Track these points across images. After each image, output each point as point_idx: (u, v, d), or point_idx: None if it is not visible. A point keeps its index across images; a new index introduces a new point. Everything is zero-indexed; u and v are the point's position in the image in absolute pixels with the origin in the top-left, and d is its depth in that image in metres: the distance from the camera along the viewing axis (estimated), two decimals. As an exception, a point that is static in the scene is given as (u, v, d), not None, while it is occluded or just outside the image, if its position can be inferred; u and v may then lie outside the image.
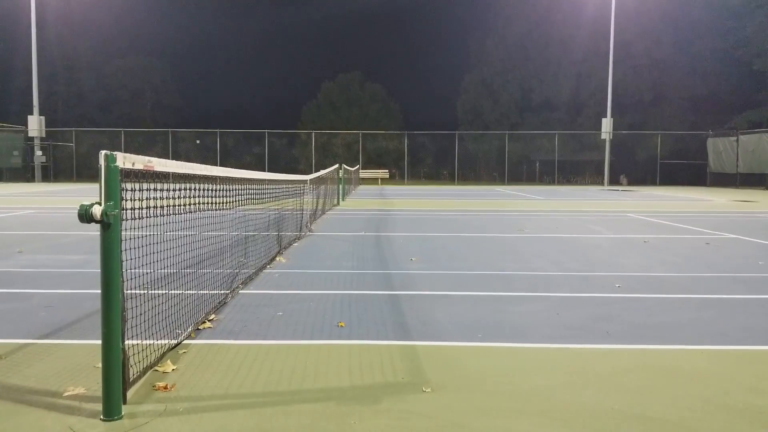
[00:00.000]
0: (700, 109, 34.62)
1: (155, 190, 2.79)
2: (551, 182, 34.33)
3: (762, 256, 6.55)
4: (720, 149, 30.13)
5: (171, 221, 3.18)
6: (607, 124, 30.22)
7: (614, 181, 32.04)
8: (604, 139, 30.54)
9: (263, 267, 5.49)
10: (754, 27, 29.43)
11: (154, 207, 2.80)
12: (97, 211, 2.14)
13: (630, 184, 32.30)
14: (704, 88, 34.01)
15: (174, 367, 2.80)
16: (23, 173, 30.20)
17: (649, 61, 35.44)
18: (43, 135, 29.61)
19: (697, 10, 32.33)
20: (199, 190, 3.55)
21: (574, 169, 36.67)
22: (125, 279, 2.34)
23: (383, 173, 33.12)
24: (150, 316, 2.88)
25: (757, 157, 27.20)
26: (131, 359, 2.45)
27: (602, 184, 31.18)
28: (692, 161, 31.93)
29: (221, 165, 30.19)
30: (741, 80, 32.14)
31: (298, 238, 7.74)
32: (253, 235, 5.75)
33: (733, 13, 30.43)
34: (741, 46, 30.52)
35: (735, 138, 28.92)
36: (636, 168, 33.78)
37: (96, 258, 2.27)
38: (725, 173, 29.65)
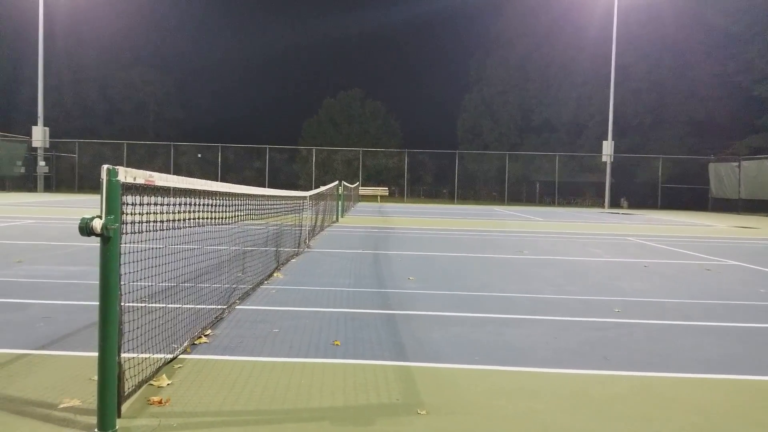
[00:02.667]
0: (700, 133, 34.89)
1: (156, 204, 2.81)
2: (551, 203, 34.41)
3: (763, 284, 6.53)
4: (722, 174, 30.25)
5: (170, 235, 3.19)
6: (607, 146, 30.43)
7: (615, 203, 32.12)
8: (605, 162, 30.72)
9: (261, 282, 5.49)
10: (754, 53, 29.83)
11: (154, 221, 2.82)
12: (97, 224, 2.16)
13: (631, 207, 32.37)
14: (704, 113, 34.33)
15: (169, 382, 2.79)
16: (26, 183, 30.34)
17: (650, 84, 35.86)
18: (47, 145, 29.85)
19: (698, 34, 32.81)
20: (199, 204, 3.58)
21: (575, 190, 36.80)
22: (123, 292, 2.35)
23: (383, 191, 33.23)
24: (147, 329, 2.88)
25: (759, 183, 27.28)
26: (127, 372, 2.45)
27: (603, 206, 31.24)
28: (693, 185, 32.04)
29: (222, 179, 30.36)
30: (741, 105, 32.45)
31: (297, 254, 7.74)
32: (252, 251, 5.76)
33: (733, 38, 30.87)
34: (741, 71, 30.89)
35: (737, 164, 29.05)
36: (637, 191, 33.90)
37: (95, 270, 2.28)
38: (727, 198, 29.71)
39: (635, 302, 5.22)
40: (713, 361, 3.51)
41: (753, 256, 9.41)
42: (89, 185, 31.53)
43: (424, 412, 2.56)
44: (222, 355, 3.30)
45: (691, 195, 31.94)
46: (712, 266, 7.94)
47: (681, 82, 34.75)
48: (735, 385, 3.11)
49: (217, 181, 4.00)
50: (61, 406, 2.48)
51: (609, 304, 5.07)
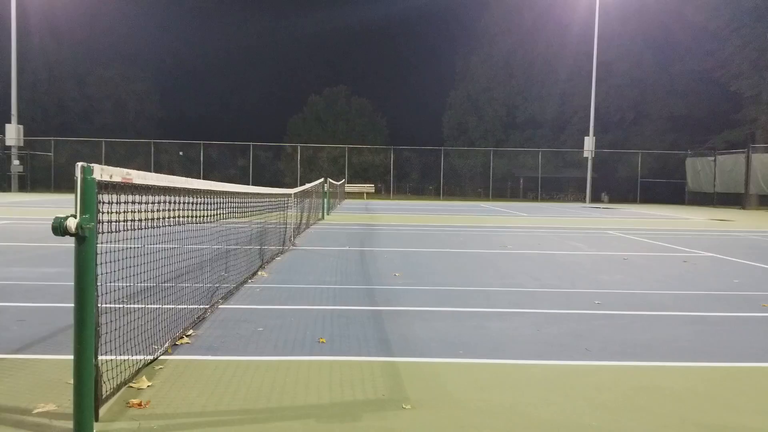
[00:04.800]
0: (680, 128, 35.53)
1: (134, 203, 2.75)
2: (534, 199, 34.74)
3: (737, 275, 6.68)
4: (698, 169, 30.88)
5: (150, 234, 3.13)
6: (589, 142, 30.81)
7: (596, 198, 32.56)
8: (587, 157, 31.11)
9: (244, 281, 5.43)
10: (731, 50, 30.45)
11: (132, 220, 2.76)
12: (71, 224, 2.10)
13: (611, 201, 32.86)
14: (683, 108, 34.96)
15: (149, 384, 2.74)
16: (-1, 182, 29.58)
17: (631, 80, 36.37)
18: (21, 144, 29.11)
19: (678, 32, 33.37)
20: (180, 203, 3.51)
21: (557, 186, 37.21)
22: (100, 293, 2.30)
23: (369, 188, 33.18)
24: (126, 331, 2.82)
25: (733, 177, 27.92)
26: (105, 375, 2.39)
27: (584, 201, 31.66)
28: (671, 180, 32.65)
29: (205, 177, 30.00)
30: (719, 101, 33.12)
31: (281, 252, 7.68)
32: (235, 249, 5.70)
33: (711, 35, 31.46)
34: (719, 67, 31.51)
35: (713, 158, 29.68)
36: (617, 186, 34.42)
37: (70, 270, 2.23)
38: (703, 192, 30.36)
39: (615, 294, 5.30)
40: (691, 350, 3.58)
41: (727, 247, 9.62)
42: (66, 185, 30.86)
43: (409, 407, 2.55)
44: (205, 355, 3.26)
45: (668, 189, 32.55)
46: (689, 258, 8.09)
47: (661, 78, 35.31)
48: (711, 372, 3.17)
49: (199, 179, 3.94)
50: (36, 410, 2.42)
51: (590, 297, 5.14)
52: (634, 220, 16.80)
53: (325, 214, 15.65)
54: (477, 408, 2.58)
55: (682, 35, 33.27)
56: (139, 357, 2.90)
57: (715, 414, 2.57)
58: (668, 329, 4.09)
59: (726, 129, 32.78)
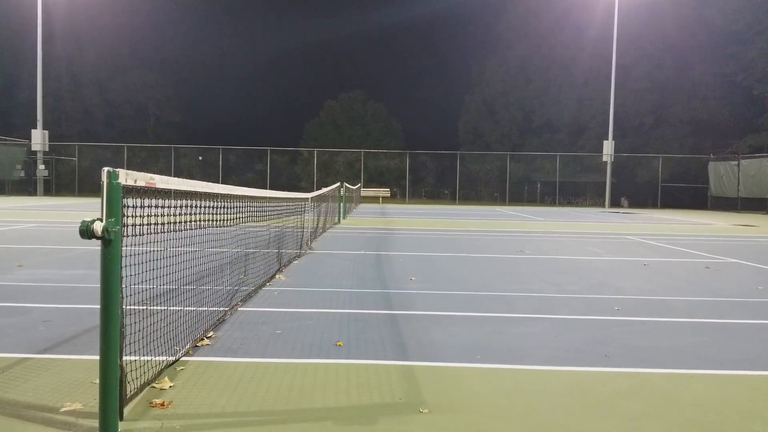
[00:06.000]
0: (701, 132, 34.86)
1: (157, 206, 2.82)
2: (552, 203, 34.39)
3: (762, 281, 6.53)
4: (721, 173, 30.24)
5: (172, 238, 3.20)
6: (608, 146, 30.42)
7: (615, 203, 32.09)
8: (606, 162, 30.70)
9: (263, 284, 5.49)
10: (754, 53, 29.83)
11: (155, 223, 2.83)
12: (98, 227, 2.17)
13: (631, 206, 32.35)
14: (705, 112, 34.29)
15: (171, 384, 2.79)
16: (25, 187, 30.38)
17: (651, 84, 35.82)
18: (47, 149, 29.89)
19: (698, 34, 32.79)
20: (201, 207, 3.58)
21: (576, 190, 36.78)
22: (124, 295, 2.35)
23: (384, 192, 33.24)
24: (149, 332, 2.88)
25: (757, 182, 27.29)
26: (129, 375, 2.45)
27: (603, 206, 31.23)
28: (693, 184, 32.02)
29: (223, 181, 30.38)
30: (742, 105, 32.44)
31: (299, 255, 7.74)
32: (254, 253, 5.77)
33: (734, 38, 30.86)
34: (742, 71, 30.89)
35: (736, 162, 29.05)
36: (637, 190, 33.88)
37: (96, 273, 2.29)
38: (726, 197, 29.70)
39: (635, 300, 5.22)
40: (713, 358, 3.51)
41: (752, 253, 9.41)
42: (89, 189, 31.55)
43: (426, 411, 2.56)
44: (224, 356, 3.31)
45: (690, 194, 31.93)
46: (712, 264, 7.93)
47: (682, 82, 34.71)
48: (733, 380, 3.11)
49: (218, 183, 4.01)
50: (63, 409, 2.49)
51: (609, 303, 5.07)
52: (655, 225, 16.53)
53: (341, 218, 15.72)
54: (494, 414, 2.58)
55: (703, 38, 32.67)
56: (161, 358, 2.96)
57: (736, 422, 2.52)
58: (690, 336, 4.02)
59: (749, 133, 32.07)
